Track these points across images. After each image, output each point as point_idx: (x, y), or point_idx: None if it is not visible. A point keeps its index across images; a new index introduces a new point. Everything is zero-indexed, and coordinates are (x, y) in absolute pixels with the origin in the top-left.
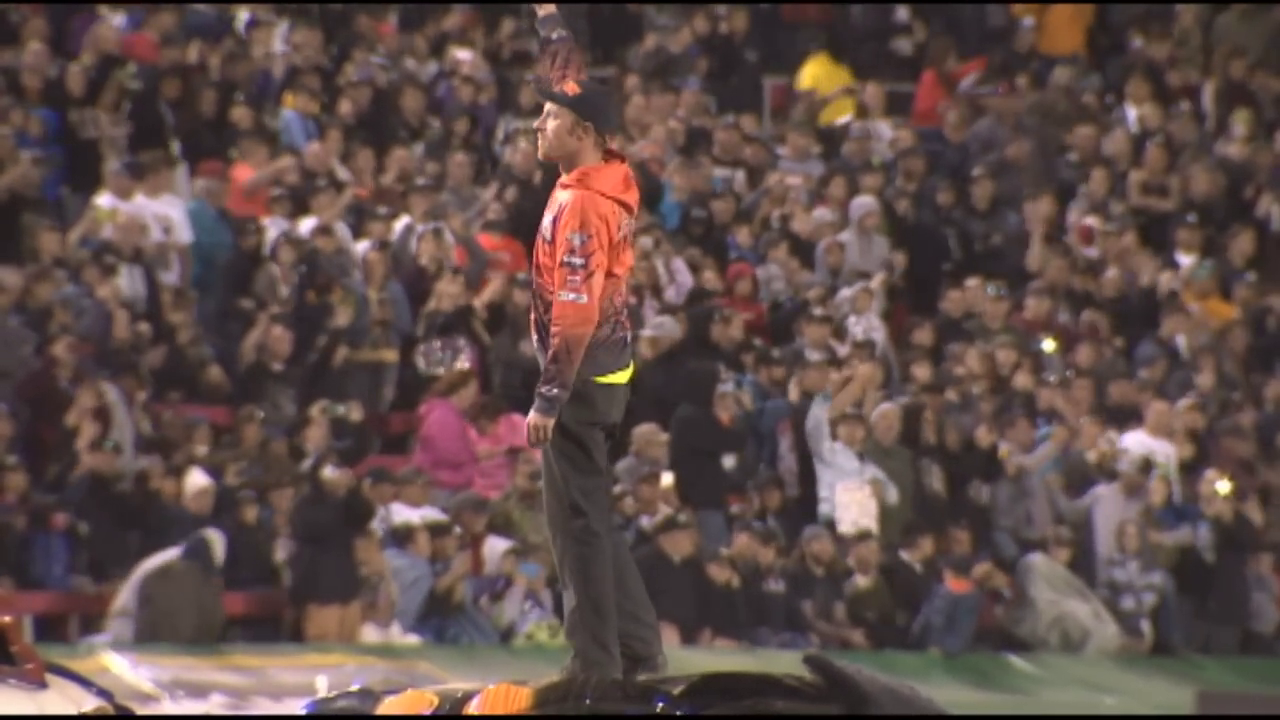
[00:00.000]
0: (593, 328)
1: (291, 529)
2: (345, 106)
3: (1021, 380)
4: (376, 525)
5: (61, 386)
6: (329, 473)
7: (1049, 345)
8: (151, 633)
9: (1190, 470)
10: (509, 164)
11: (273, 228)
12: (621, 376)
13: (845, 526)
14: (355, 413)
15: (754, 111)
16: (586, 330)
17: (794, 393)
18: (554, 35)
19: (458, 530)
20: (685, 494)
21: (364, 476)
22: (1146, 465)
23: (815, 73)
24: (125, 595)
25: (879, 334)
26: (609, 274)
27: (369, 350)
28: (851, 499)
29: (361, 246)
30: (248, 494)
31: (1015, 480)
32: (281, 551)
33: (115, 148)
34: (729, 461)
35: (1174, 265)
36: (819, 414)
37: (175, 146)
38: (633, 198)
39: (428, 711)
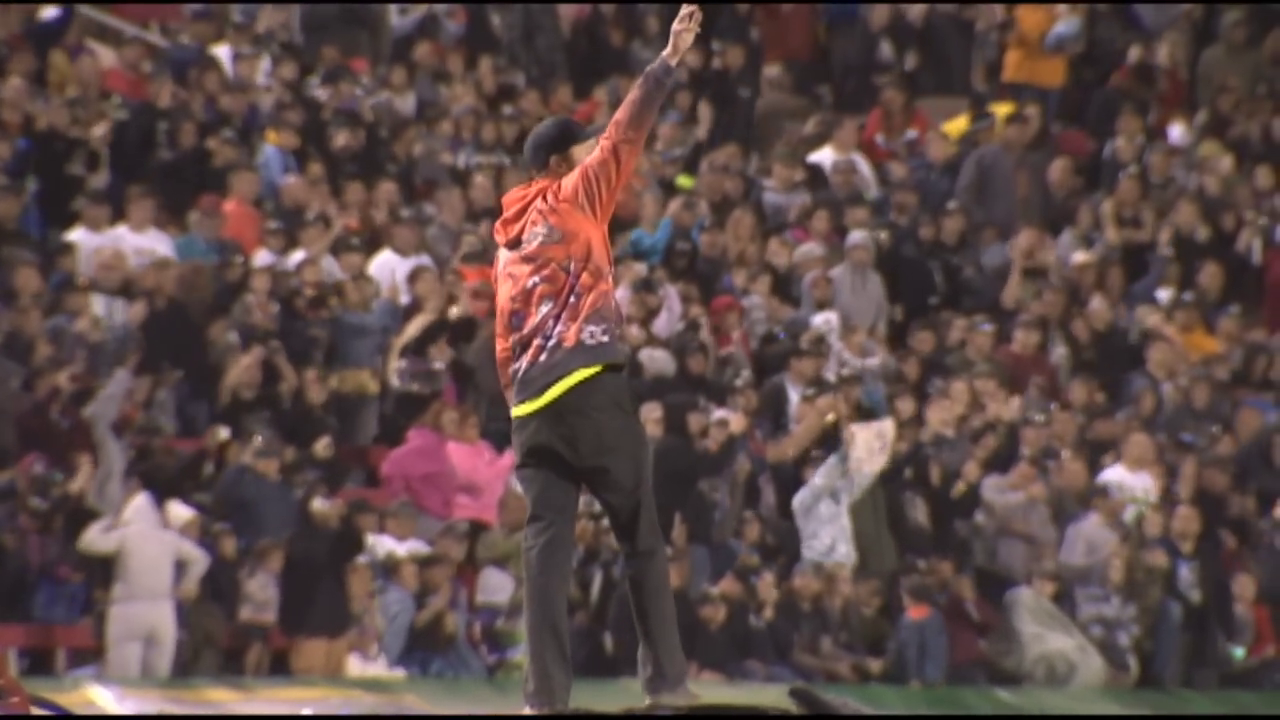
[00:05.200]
0: (498, 363)
1: (282, 562)
2: (328, 140)
3: (1006, 415)
4: (362, 558)
5: (53, 419)
6: (319, 504)
7: None
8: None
9: (1167, 504)
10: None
11: (261, 261)
12: (522, 409)
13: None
14: (324, 449)
15: (744, 144)
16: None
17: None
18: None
19: (445, 562)
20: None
21: (351, 508)
22: (1144, 502)
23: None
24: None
25: (871, 365)
26: (496, 310)
27: (352, 381)
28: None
29: (346, 279)
30: (224, 526)
31: (998, 516)
32: (252, 584)
33: (99, 181)
34: (713, 497)
35: (1153, 300)
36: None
37: (159, 181)
38: (506, 229)
39: None
